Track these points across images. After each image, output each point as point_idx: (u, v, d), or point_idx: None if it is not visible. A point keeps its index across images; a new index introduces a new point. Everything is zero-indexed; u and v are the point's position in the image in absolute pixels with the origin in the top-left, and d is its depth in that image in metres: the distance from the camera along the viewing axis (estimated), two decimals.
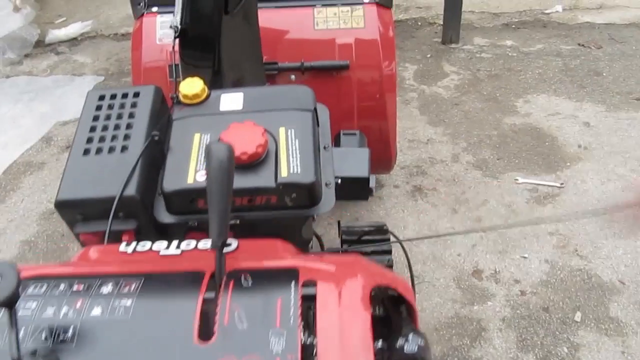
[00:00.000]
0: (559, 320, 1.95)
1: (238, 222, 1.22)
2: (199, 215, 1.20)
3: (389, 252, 1.71)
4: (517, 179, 2.51)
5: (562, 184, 2.47)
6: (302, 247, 1.44)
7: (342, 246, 1.74)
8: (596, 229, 2.26)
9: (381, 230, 1.76)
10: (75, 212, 1.19)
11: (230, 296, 0.69)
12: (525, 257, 2.17)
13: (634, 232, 2.20)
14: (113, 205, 1.13)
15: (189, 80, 1.37)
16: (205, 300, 0.69)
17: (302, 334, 0.65)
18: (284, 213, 1.20)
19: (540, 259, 2.16)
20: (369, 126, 2.01)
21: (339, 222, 1.82)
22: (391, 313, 0.78)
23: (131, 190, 1.15)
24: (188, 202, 1.18)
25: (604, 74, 3.13)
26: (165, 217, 1.21)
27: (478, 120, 2.88)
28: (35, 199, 2.58)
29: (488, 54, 3.39)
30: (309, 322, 0.69)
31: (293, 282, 0.70)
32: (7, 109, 3.18)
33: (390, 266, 1.69)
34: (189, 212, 1.20)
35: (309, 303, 0.69)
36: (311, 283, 0.70)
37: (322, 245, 1.59)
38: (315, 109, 1.33)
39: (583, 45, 3.39)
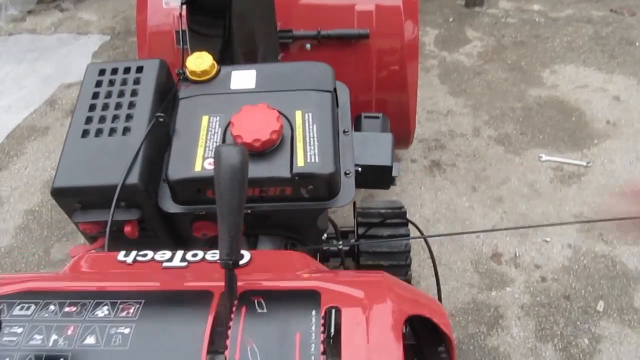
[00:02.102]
0: (581, 310, 1.87)
1: (249, 211, 1.13)
2: (207, 205, 1.11)
3: (407, 236, 1.63)
4: (540, 156, 2.39)
5: (588, 163, 2.35)
6: (317, 237, 1.36)
7: (357, 229, 1.66)
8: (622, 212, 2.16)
9: (400, 215, 1.67)
10: (73, 200, 1.11)
11: (243, 326, 0.60)
12: (547, 241, 2.08)
13: None
14: (114, 194, 1.04)
15: (197, 54, 1.26)
16: (213, 330, 0.60)
17: None
18: (299, 205, 1.11)
19: (562, 244, 2.07)
20: (388, 99, 1.90)
21: (354, 203, 1.73)
22: (423, 341, 0.69)
23: (134, 178, 1.06)
24: (195, 192, 1.09)
25: (637, 44, 2.95)
26: (170, 206, 1.12)
27: (501, 91, 2.74)
28: (39, 165, 2.50)
29: (514, 19, 3.20)
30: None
31: (314, 311, 0.61)
32: (10, 69, 3.07)
33: (407, 251, 1.61)
34: (196, 202, 1.11)
35: (332, 336, 0.60)
36: (335, 311, 0.62)
37: (337, 232, 1.50)
38: (334, 90, 1.21)
39: (615, 11, 3.19)
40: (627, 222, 2.07)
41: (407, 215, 1.76)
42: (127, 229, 1.09)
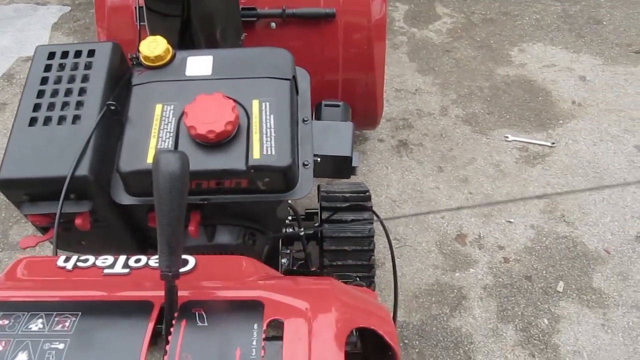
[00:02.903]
0: (541, 290, 1.91)
1: (205, 202, 1.11)
2: None
3: (370, 221, 1.63)
4: (507, 137, 2.40)
5: (553, 143, 2.37)
6: (277, 225, 1.34)
7: (321, 213, 1.65)
8: (585, 193, 2.19)
9: (364, 198, 1.66)
10: (21, 192, 1.06)
11: (181, 341, 0.59)
12: (510, 222, 2.10)
13: None
14: (63, 187, 1.00)
15: (150, 39, 1.20)
16: (151, 345, 0.58)
17: None
18: (255, 197, 1.09)
19: (526, 224, 2.10)
20: (354, 79, 1.88)
21: (318, 187, 1.71)
22: (369, 350, 0.69)
23: (83, 170, 1.03)
24: (149, 183, 1.06)
25: (604, 23, 2.96)
26: (124, 198, 1.09)
27: (470, 69, 2.73)
28: None
29: None
30: None
31: (256, 325, 0.60)
32: None
33: (371, 236, 1.61)
34: (150, 193, 1.08)
35: (274, 351, 0.59)
36: (277, 326, 0.60)
37: (298, 221, 1.49)
38: (294, 77, 1.18)
39: None
40: None
41: (373, 196, 1.74)
42: (78, 221, 1.06)
